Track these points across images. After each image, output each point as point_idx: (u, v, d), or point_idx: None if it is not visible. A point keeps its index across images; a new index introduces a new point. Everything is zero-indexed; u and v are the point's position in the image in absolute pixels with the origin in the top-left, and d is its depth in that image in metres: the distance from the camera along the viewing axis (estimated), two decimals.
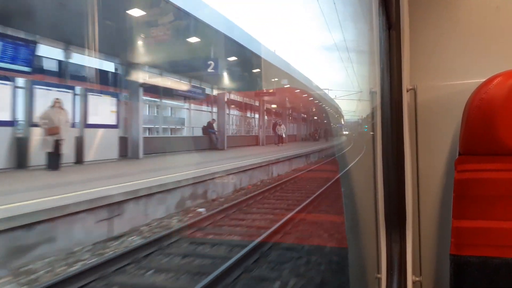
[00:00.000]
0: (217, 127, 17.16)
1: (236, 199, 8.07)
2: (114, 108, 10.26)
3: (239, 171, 9.96)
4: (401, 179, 1.35)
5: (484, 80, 1.14)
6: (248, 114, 24.60)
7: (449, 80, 1.43)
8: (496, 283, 1.09)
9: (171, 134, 18.76)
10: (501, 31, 1.38)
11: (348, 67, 17.12)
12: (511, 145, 1.06)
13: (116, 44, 10.49)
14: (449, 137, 1.39)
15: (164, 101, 15.81)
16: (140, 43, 10.72)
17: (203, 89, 16.15)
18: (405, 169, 1.35)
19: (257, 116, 24.22)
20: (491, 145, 1.10)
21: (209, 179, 8.32)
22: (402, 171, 1.35)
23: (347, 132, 23.56)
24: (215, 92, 17.92)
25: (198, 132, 17.11)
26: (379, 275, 1.42)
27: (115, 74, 11.76)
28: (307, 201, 7.87)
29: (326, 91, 29.97)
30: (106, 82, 11.27)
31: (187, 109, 17.47)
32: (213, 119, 17.20)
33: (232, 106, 21.50)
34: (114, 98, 10.39)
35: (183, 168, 9.30)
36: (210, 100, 18.13)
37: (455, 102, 1.31)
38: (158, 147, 12.79)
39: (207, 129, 16.69)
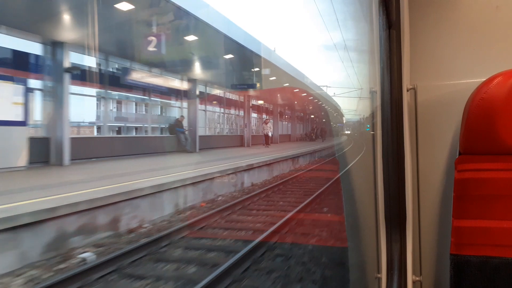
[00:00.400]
0: (187, 125, 14.58)
1: (168, 228, 5.49)
2: (19, 99, 7.65)
3: (194, 182, 7.36)
4: (401, 178, 1.36)
5: (484, 79, 1.14)
6: (233, 111, 21.90)
7: (449, 80, 1.43)
8: (496, 282, 1.09)
9: (118, 133, 16.10)
10: (501, 30, 1.38)
11: (348, 66, 15.51)
12: (511, 144, 1.08)
13: (31, 15, 7.89)
14: (449, 136, 1.39)
15: (112, 93, 13.15)
16: (67, 16, 8.13)
17: (165, 79, 13.51)
18: (405, 169, 1.35)
19: (242, 113, 21.57)
20: (492, 145, 1.12)
21: (136, 197, 5.73)
22: (402, 171, 1.36)
23: (348, 132, 21.86)
24: (186, 85, 15.28)
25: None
26: (379, 275, 1.41)
27: (29, 56, 9.11)
28: (272, 229, 5.29)
29: (324, 88, 27.95)
30: (12, 65, 8.63)
31: (146, 103, 14.82)
32: (182, 116, 14.57)
33: (211, 101, 18.83)
34: (21, 86, 7.77)
35: (107, 180, 6.69)
36: (179, 94, 15.45)
37: (455, 101, 1.33)
38: (98, 150, 10.18)
39: (174, 127, 14.08)
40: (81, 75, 9.81)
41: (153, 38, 7.83)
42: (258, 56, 12.95)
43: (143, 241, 4.87)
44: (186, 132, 14.20)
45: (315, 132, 33.25)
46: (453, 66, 1.42)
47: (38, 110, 8.85)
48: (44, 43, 8.94)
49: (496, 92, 1.08)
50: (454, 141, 1.36)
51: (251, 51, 12.45)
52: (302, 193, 8.49)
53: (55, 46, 8.80)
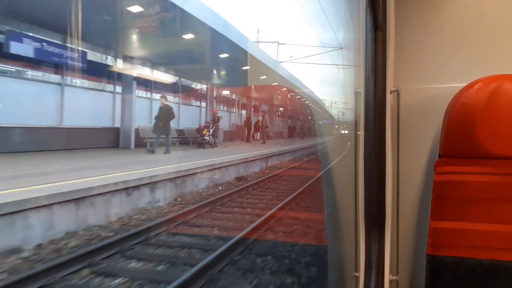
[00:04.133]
0: None
1: None
2: None
3: None
4: (382, 179, 1.38)
5: (465, 84, 1.18)
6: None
7: (432, 83, 1.47)
8: (470, 283, 1.14)
9: None
10: (483, 37, 1.43)
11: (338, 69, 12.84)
12: (489, 149, 1.13)
13: None
14: (430, 139, 1.43)
15: None
16: None
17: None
18: (386, 170, 1.37)
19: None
20: (470, 149, 1.16)
21: None
22: (383, 171, 1.38)
23: (340, 132, 13.88)
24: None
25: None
26: (357, 274, 1.44)
27: None
28: None
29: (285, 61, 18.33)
30: None
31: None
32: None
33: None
34: None
35: None
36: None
37: (436, 105, 1.36)
38: None
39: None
40: None
41: None
42: None
43: None
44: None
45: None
46: (435, 70, 1.48)
47: None
48: None
49: (476, 97, 1.13)
50: (434, 144, 1.41)
51: None
52: None
53: None
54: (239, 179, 10.08)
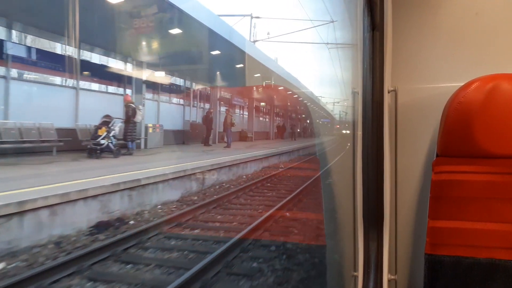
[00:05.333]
0: None
1: None
2: None
3: None
4: (380, 179, 1.40)
5: (462, 84, 1.20)
6: None
7: (429, 83, 1.49)
8: (468, 282, 1.15)
9: None
10: (479, 36, 1.44)
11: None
12: (486, 148, 1.14)
13: None
14: (428, 138, 1.45)
15: None
16: None
17: None
18: (384, 169, 1.38)
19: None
20: (468, 148, 1.17)
21: None
22: (381, 171, 1.39)
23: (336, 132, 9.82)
24: None
25: None
26: (355, 273, 1.45)
27: None
28: None
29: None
30: None
31: None
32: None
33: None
34: None
35: None
36: None
37: (434, 104, 1.37)
38: None
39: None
40: None
41: None
42: None
43: None
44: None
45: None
46: (433, 69, 1.50)
47: None
48: None
49: (474, 97, 1.14)
50: (432, 143, 1.42)
51: None
52: None
53: None
54: (107, 225, 5.28)
